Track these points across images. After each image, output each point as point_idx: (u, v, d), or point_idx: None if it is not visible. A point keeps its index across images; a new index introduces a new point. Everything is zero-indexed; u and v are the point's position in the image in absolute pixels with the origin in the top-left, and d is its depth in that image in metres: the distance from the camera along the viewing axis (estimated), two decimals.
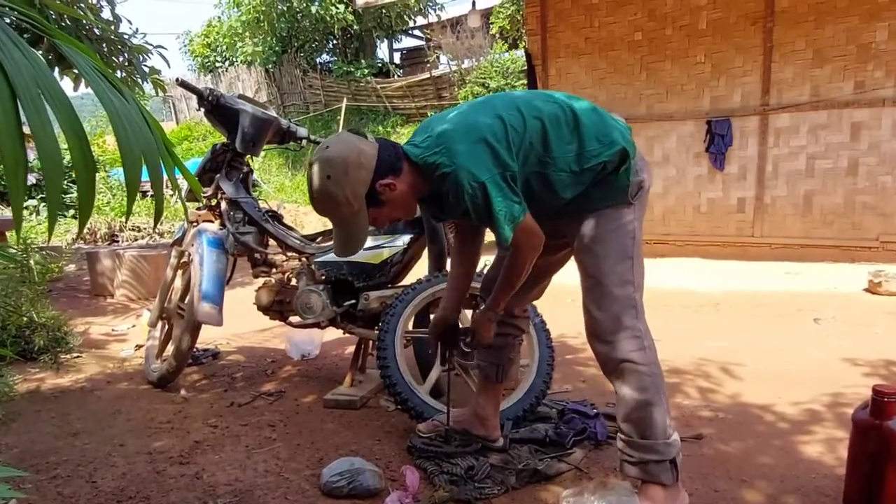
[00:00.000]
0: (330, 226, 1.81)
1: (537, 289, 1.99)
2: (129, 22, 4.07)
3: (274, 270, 2.77)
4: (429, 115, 14.52)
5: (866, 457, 1.61)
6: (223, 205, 2.71)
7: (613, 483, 1.64)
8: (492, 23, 14.39)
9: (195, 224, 2.74)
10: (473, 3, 12.95)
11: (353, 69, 15.45)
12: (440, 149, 1.53)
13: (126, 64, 3.87)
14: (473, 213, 1.52)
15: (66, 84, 3.64)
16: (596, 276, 1.62)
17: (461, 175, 1.49)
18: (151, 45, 3.93)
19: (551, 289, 2.05)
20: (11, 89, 0.73)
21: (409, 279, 2.61)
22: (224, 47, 17.36)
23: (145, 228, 7.65)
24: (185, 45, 18.96)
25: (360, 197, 1.56)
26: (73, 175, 0.76)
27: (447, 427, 2.03)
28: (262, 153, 3.16)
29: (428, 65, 15.17)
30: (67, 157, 0.78)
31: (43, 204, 8.27)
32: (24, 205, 8.42)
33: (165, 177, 0.89)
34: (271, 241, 2.77)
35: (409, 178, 1.60)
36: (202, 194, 2.74)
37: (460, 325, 1.98)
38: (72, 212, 8.63)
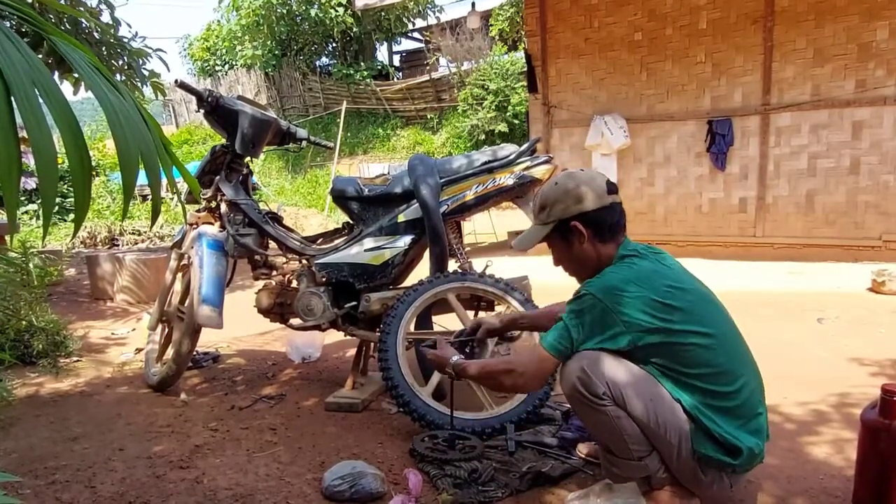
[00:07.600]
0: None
1: None
2: (129, 25, 4.06)
3: (274, 273, 2.75)
4: (428, 116, 14.63)
5: (876, 457, 1.59)
6: (223, 207, 2.70)
7: (619, 485, 1.62)
8: (491, 25, 14.41)
9: (194, 226, 2.73)
10: (473, 5, 12.94)
11: (352, 72, 15.47)
12: (626, 258, 1.57)
13: (125, 67, 3.85)
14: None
15: (66, 88, 3.63)
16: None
17: (598, 276, 1.56)
18: (151, 48, 3.92)
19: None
20: (6, 86, 0.72)
21: (410, 280, 2.60)
22: (224, 51, 17.39)
23: (145, 232, 7.64)
24: (184, 49, 19.01)
25: (554, 218, 1.63)
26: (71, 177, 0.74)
27: (450, 431, 2.01)
28: (262, 155, 3.14)
29: (427, 67, 15.19)
30: (66, 164, 0.77)
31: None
32: (24, 210, 8.46)
33: (164, 177, 0.88)
34: (272, 244, 2.76)
35: (605, 251, 1.61)
36: (202, 196, 2.72)
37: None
38: (71, 216, 8.62)
